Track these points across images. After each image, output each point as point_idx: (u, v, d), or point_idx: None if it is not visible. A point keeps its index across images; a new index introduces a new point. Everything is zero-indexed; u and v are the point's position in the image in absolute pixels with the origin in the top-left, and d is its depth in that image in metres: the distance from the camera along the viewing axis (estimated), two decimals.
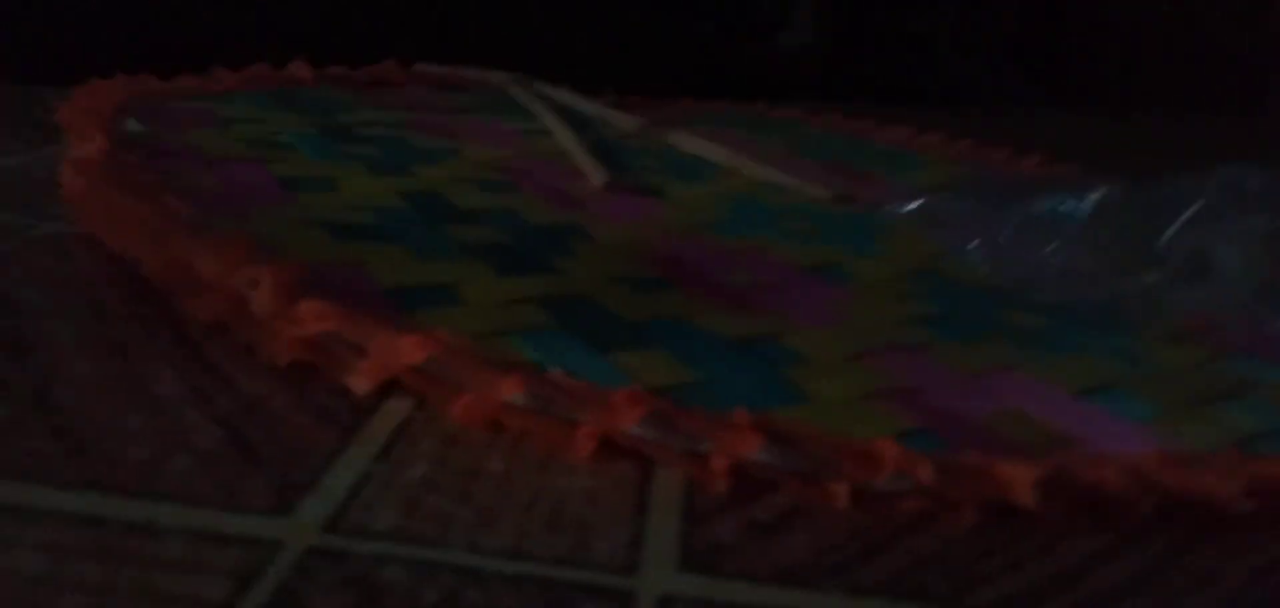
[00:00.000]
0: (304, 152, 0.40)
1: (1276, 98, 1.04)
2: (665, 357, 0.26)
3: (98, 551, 0.17)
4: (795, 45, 1.53)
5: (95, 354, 0.25)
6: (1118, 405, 0.27)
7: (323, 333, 0.24)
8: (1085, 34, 1.55)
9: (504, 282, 0.29)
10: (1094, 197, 0.35)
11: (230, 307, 0.25)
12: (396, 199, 0.36)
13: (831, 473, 0.21)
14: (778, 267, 0.34)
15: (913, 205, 0.40)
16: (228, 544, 0.18)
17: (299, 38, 1.02)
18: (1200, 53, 1.42)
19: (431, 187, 0.38)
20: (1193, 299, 0.33)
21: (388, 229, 0.32)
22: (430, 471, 0.21)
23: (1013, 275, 0.34)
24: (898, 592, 0.19)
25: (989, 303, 0.33)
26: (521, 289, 0.29)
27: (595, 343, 0.26)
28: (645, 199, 0.41)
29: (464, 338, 0.24)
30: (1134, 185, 0.35)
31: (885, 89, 1.43)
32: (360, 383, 0.24)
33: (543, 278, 0.30)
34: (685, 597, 0.18)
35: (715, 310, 0.29)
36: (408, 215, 0.34)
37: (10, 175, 0.39)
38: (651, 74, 1.25)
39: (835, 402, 0.25)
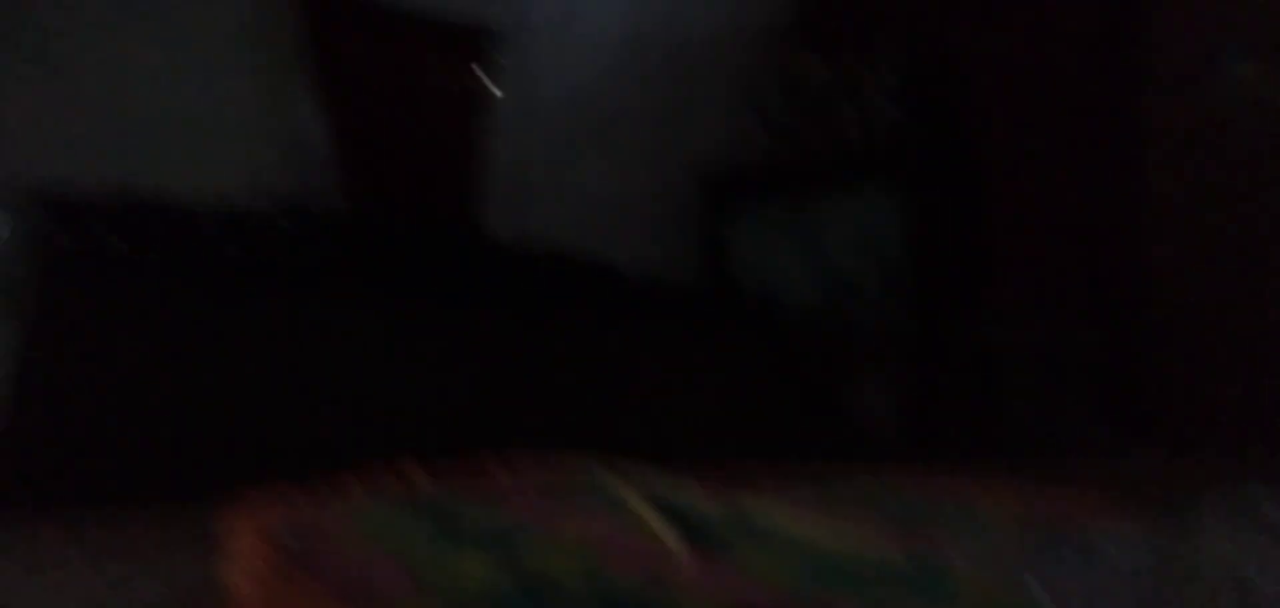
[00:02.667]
0: (426, 546, 0.45)
1: None
2: None
3: None
4: (873, 418, 1.60)
5: None
6: None
7: None
8: (1153, 380, 1.58)
9: None
10: (1139, 531, 0.38)
11: None
12: (505, 580, 0.40)
13: None
14: None
15: (976, 553, 0.43)
16: None
17: (400, 429, 1.13)
18: (1257, 396, 1.43)
19: (534, 566, 0.43)
20: None
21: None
22: None
23: (1068, 604, 0.36)
24: None
25: None
26: None
27: None
28: (726, 566, 0.44)
29: None
30: (1176, 518, 0.38)
31: (962, 443, 1.46)
32: None
33: None
34: None
35: None
36: (515, 598, 0.39)
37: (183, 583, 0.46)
38: (744, 453, 1.31)
39: None
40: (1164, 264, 1.63)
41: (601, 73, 2.45)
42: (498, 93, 2.23)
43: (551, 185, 2.31)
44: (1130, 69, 1.78)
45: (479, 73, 2.24)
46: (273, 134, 1.77)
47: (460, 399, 1.26)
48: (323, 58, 1.93)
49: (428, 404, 1.23)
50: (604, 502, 0.56)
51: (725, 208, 2.44)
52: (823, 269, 2.18)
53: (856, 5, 2.53)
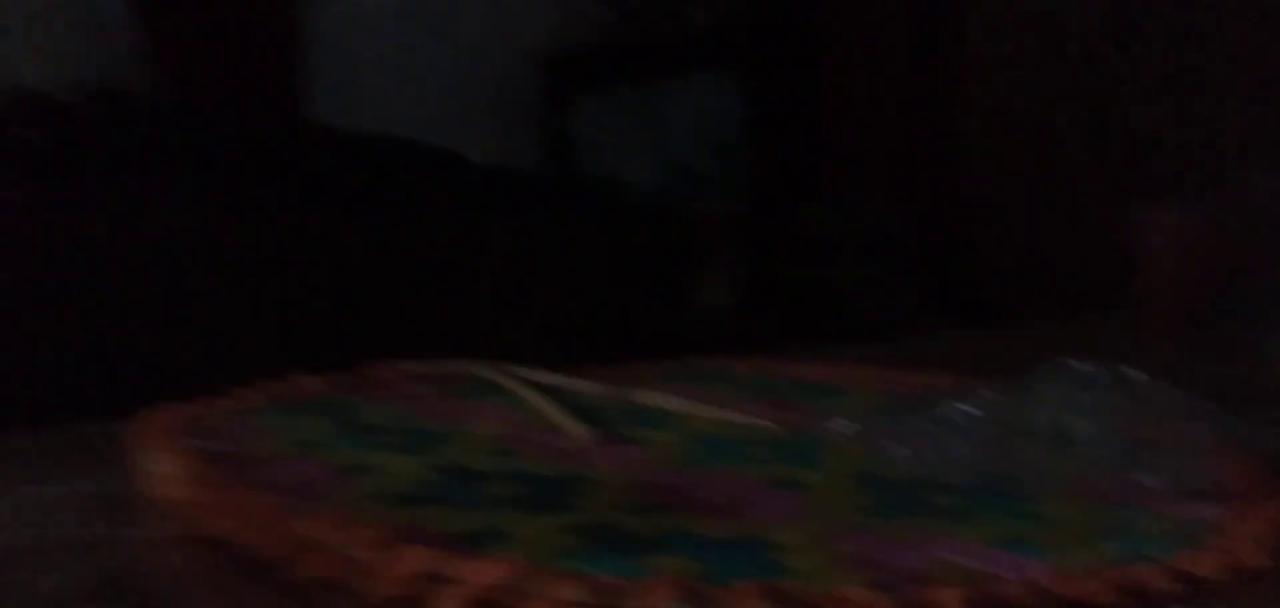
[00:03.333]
0: (342, 446, 0.47)
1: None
2: (678, 558, 0.33)
3: None
4: (715, 303, 1.69)
5: None
6: (1020, 550, 0.35)
7: (418, 572, 0.31)
8: (974, 261, 1.75)
9: (538, 520, 0.37)
10: (980, 398, 0.45)
11: (339, 563, 0.32)
12: (430, 473, 0.43)
13: None
14: (747, 485, 0.42)
15: (844, 426, 0.50)
16: None
17: (277, 346, 1.11)
18: (1062, 268, 1.62)
19: (453, 460, 0.46)
20: (1067, 466, 0.43)
21: (432, 495, 0.40)
22: None
23: (929, 468, 0.43)
24: None
25: (914, 490, 0.41)
26: (554, 524, 0.36)
27: (624, 554, 0.33)
28: (626, 447, 0.49)
29: (527, 562, 0.31)
30: (1008, 386, 0.46)
31: (799, 331, 1.58)
32: (451, 606, 0.31)
33: (567, 515, 0.38)
34: None
35: (707, 522, 0.37)
36: (443, 483, 0.42)
37: (86, 498, 0.45)
38: (593, 344, 1.36)
39: (813, 572, 0.33)
40: (978, 150, 1.78)
41: None
42: None
43: (382, 66, 2.22)
44: None
45: None
46: (72, 14, 1.61)
47: (296, 296, 1.24)
48: None
49: (262, 304, 1.20)
50: (501, 400, 0.59)
51: (567, 91, 2.44)
52: (665, 154, 2.24)
53: None
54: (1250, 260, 0.74)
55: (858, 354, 0.70)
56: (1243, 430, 0.44)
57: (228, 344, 1.10)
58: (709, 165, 2.15)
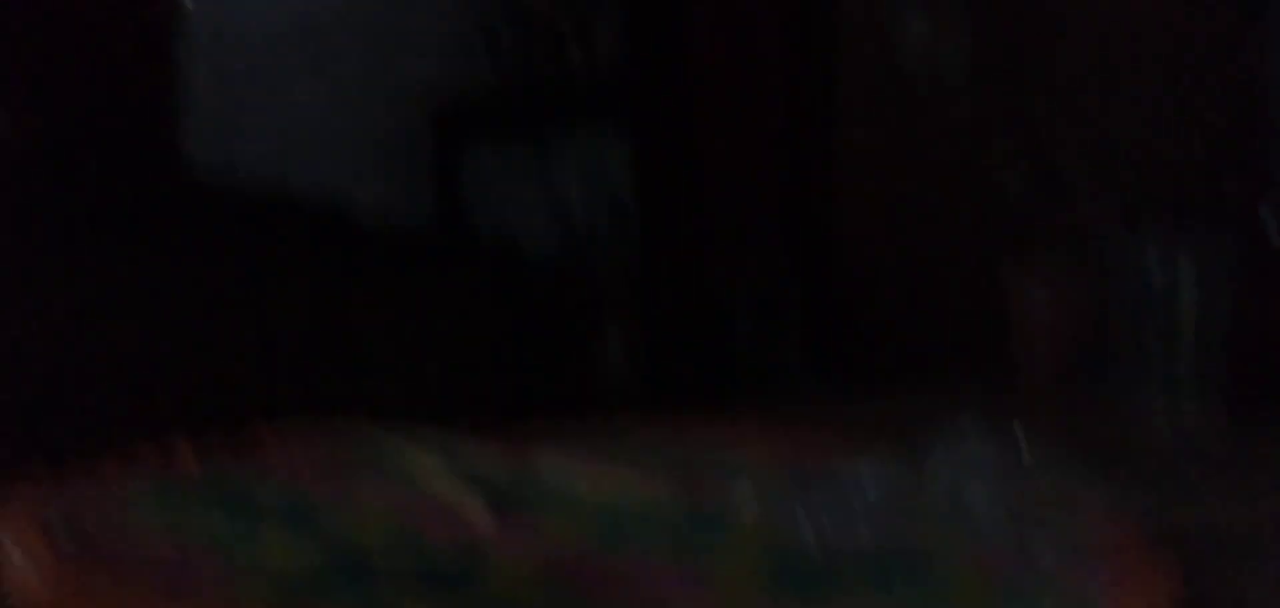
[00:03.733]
0: (221, 526, 0.44)
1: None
2: None
3: None
4: (609, 361, 1.68)
5: None
6: None
7: None
8: (857, 322, 1.80)
9: None
10: (878, 469, 0.46)
11: None
12: (318, 555, 0.41)
13: None
14: (653, 568, 0.42)
15: (746, 500, 0.50)
16: None
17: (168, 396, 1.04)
18: (948, 331, 1.68)
19: (342, 538, 0.43)
20: (965, 537, 0.44)
21: (321, 584, 0.37)
22: None
23: (832, 544, 0.43)
24: None
25: (819, 568, 0.41)
26: None
27: None
28: (526, 527, 0.47)
29: None
30: (904, 454, 0.47)
31: (694, 390, 1.59)
32: None
33: (467, 603, 0.36)
34: None
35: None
36: (332, 569, 0.39)
37: None
38: (485, 404, 1.33)
39: None
40: (855, 210, 1.83)
41: None
42: (195, 5, 2.04)
43: (263, 114, 2.15)
44: (827, 20, 1.96)
45: None
46: None
47: (171, 355, 1.17)
48: None
49: (134, 363, 1.13)
50: (396, 469, 0.56)
51: (456, 143, 2.41)
52: (556, 209, 2.23)
53: None
54: (1115, 321, 0.78)
55: (752, 415, 0.70)
56: (1124, 496, 0.46)
57: (98, 407, 1.03)
58: (601, 220, 2.15)
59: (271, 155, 2.11)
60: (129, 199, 1.20)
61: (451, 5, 2.53)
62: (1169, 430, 0.68)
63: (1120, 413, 0.70)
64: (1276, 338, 0.73)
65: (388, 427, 0.65)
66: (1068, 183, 1.60)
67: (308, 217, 1.41)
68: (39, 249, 1.07)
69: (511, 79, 2.35)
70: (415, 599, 0.37)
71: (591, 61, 2.21)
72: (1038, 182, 1.64)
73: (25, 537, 0.39)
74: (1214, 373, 0.69)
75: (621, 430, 0.70)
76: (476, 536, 0.46)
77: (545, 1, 2.37)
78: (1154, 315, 0.72)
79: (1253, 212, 1.37)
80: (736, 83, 2.18)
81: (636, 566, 0.44)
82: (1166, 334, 0.70)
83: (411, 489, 0.53)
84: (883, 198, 1.83)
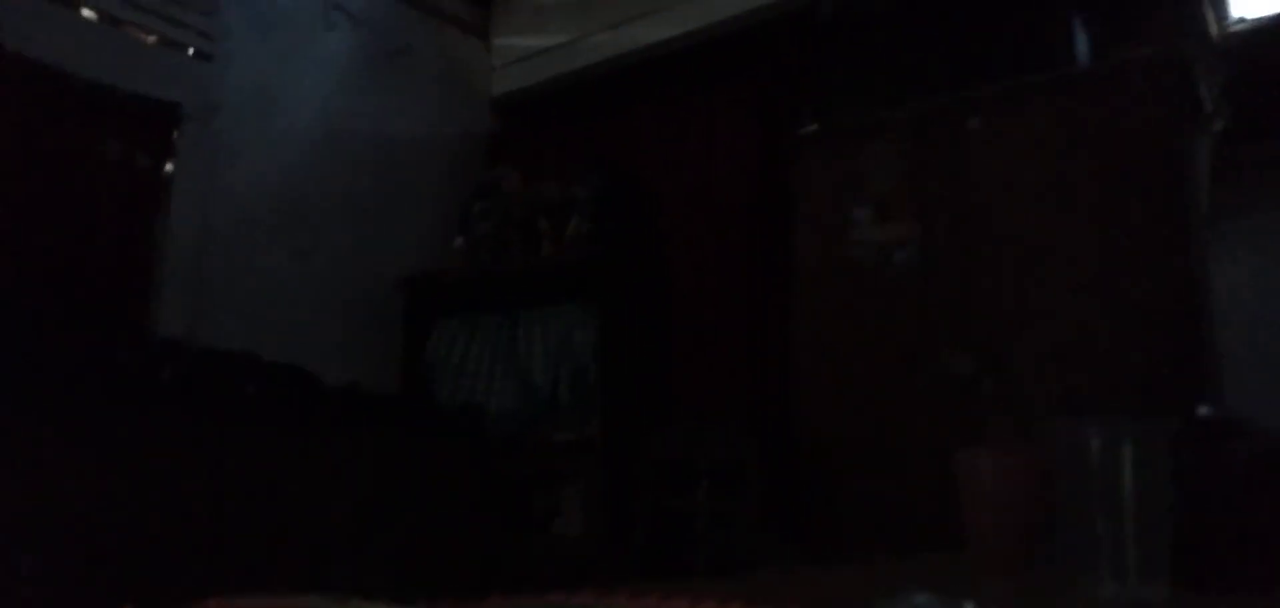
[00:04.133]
0: None
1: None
2: None
3: None
4: (569, 534, 1.67)
5: None
6: None
7: None
8: (814, 498, 1.82)
9: None
10: None
11: None
12: None
13: None
14: None
15: None
16: None
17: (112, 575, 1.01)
18: (901, 506, 1.71)
19: None
20: None
21: None
22: None
23: None
24: None
25: None
26: None
27: None
28: None
29: None
30: None
31: (654, 565, 1.59)
32: None
33: None
34: None
35: None
36: None
37: None
38: (451, 573, 1.31)
39: None
40: (812, 389, 1.89)
41: (298, 165, 2.37)
42: (183, 177, 2.09)
43: (241, 281, 2.18)
44: (782, 214, 2.07)
45: (162, 154, 2.08)
46: None
47: (144, 514, 1.15)
48: None
49: (109, 518, 1.11)
50: None
51: (425, 315, 2.45)
52: (521, 380, 2.26)
53: (553, 126, 2.71)
54: (1061, 500, 0.81)
55: (710, 585, 0.72)
56: None
57: (56, 570, 1.00)
58: (564, 391, 2.18)
59: (247, 319, 2.13)
60: (99, 364, 1.21)
61: (426, 186, 2.62)
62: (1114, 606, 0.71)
63: (1067, 589, 0.72)
64: (1214, 519, 0.76)
65: (346, 600, 0.65)
66: (1014, 371, 1.68)
67: (280, 380, 1.42)
68: (15, 403, 1.08)
69: (481, 255, 2.41)
70: None
71: (563, 249, 2.28)
72: (986, 368, 1.72)
73: None
74: (1157, 551, 0.73)
75: (582, 603, 0.71)
76: None
77: (522, 194, 2.47)
78: (1098, 496, 0.76)
79: (1190, 402, 1.44)
80: (701, 272, 2.28)
81: None
82: (1111, 514, 0.74)
83: None
84: (838, 378, 1.89)
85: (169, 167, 2.11)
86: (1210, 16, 2.50)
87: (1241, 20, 2.51)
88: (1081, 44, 1.79)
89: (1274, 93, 2.71)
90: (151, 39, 2.02)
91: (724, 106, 2.25)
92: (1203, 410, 1.35)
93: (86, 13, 1.90)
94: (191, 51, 2.10)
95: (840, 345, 1.85)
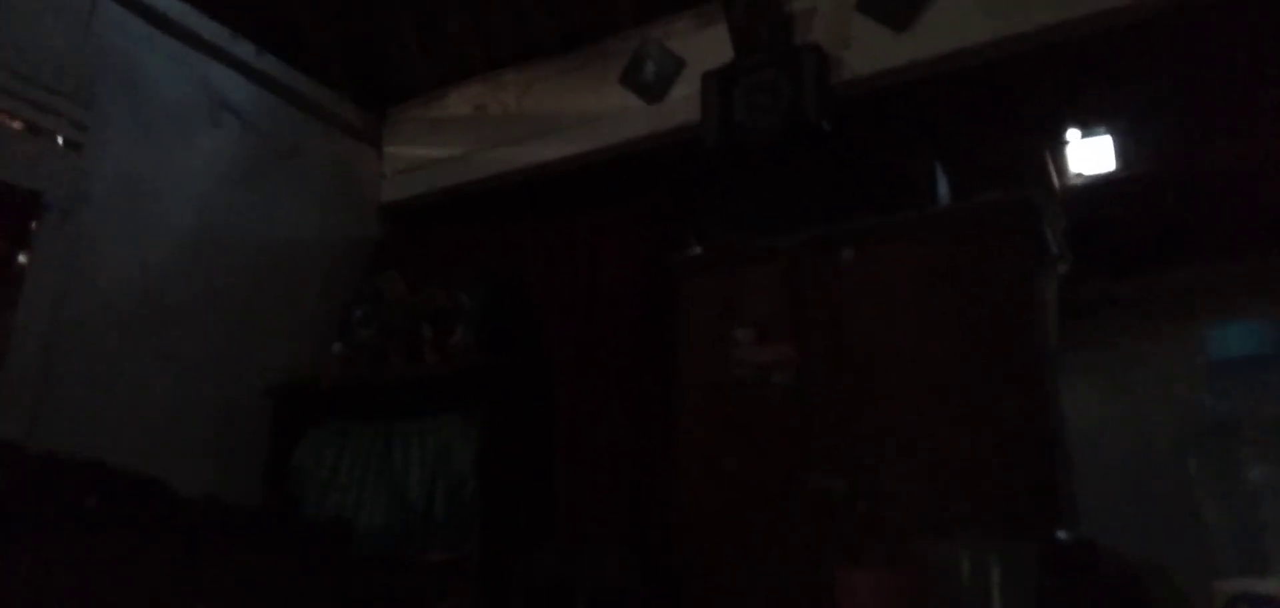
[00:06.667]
0: None
1: None
2: None
3: None
4: None
5: None
6: None
7: None
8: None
9: None
10: None
11: None
12: None
13: None
14: None
15: None
16: None
17: None
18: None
19: None
20: None
21: None
22: None
23: None
24: None
25: None
26: None
27: None
28: None
29: None
30: None
31: None
32: None
33: None
34: None
35: None
36: None
37: None
38: None
39: None
40: (688, 503, 1.90)
41: (168, 262, 2.27)
42: (38, 269, 1.97)
43: (97, 385, 2.04)
44: (668, 332, 2.12)
45: (16, 243, 1.96)
46: None
47: None
48: None
49: None
50: None
51: (295, 423, 2.35)
52: (394, 494, 2.18)
53: (441, 235, 2.69)
54: None
55: None
56: None
57: None
58: (440, 504, 2.11)
59: (103, 426, 1.99)
60: None
61: (303, 291, 2.53)
62: None
63: None
64: None
65: None
66: (886, 492, 1.74)
67: (135, 491, 1.34)
68: None
69: (359, 363, 2.34)
70: None
71: (447, 358, 2.24)
72: (859, 489, 1.77)
73: None
74: None
75: None
76: None
77: (406, 302, 2.42)
78: None
79: (1049, 525, 1.53)
80: (586, 388, 2.28)
81: None
82: None
83: None
84: (721, 497, 1.91)
85: (21, 258, 2.00)
86: (1052, 170, 2.74)
87: (1079, 175, 2.77)
88: (943, 186, 1.93)
89: (1106, 241, 2.98)
90: (17, 124, 1.93)
91: (613, 225, 2.30)
92: (1061, 535, 1.43)
93: None
94: (61, 140, 2.02)
95: (722, 464, 1.88)
